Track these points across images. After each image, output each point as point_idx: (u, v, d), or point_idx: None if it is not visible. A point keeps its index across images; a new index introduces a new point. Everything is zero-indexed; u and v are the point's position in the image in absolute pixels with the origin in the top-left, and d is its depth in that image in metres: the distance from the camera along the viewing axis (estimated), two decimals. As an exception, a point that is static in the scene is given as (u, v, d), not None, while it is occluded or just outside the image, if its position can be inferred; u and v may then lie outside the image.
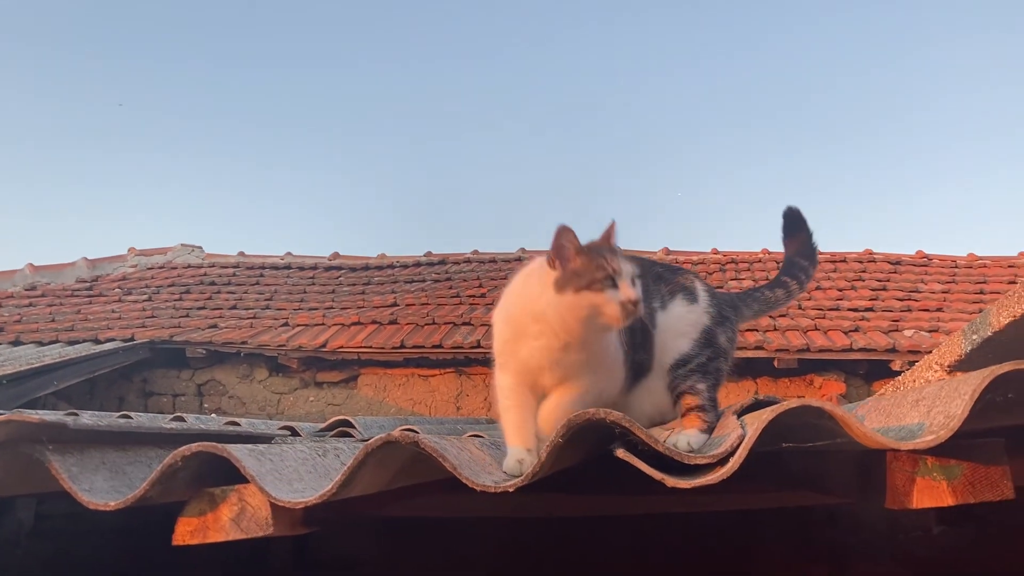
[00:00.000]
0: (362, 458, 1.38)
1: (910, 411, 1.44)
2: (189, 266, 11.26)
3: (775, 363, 7.67)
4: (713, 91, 29.74)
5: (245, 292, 10.16)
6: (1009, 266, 10.17)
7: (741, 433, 1.32)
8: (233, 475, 1.44)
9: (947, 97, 28.65)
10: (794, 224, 2.33)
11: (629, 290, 1.67)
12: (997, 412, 1.31)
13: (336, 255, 11.48)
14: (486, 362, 8.00)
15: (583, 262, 1.70)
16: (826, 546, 3.97)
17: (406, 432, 1.38)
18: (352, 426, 3.91)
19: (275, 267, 11.15)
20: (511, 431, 1.76)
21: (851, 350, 7.51)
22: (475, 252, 11.29)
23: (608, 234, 1.81)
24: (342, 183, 30.82)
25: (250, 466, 1.40)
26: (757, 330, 8.08)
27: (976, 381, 1.24)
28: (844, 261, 10.48)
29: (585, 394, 1.78)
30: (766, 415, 1.29)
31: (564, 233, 1.72)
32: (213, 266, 11.21)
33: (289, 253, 11.57)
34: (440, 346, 7.86)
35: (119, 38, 27.62)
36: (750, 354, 7.68)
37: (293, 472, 1.54)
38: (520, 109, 31.20)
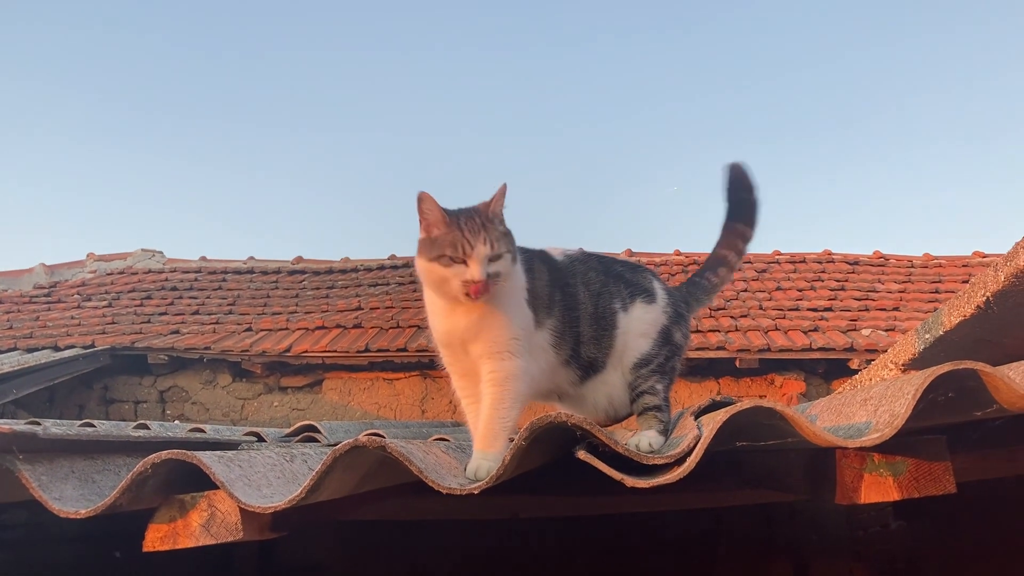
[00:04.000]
0: (330, 463, 1.41)
1: (859, 410, 1.51)
2: (150, 271, 11.14)
3: (737, 363, 7.78)
4: (672, 88, 30.02)
5: (207, 297, 10.08)
6: (963, 265, 10.40)
7: (697, 434, 1.38)
8: (201, 482, 1.46)
9: (904, 99, 29.18)
10: (737, 182, 2.19)
11: (476, 269, 1.69)
12: (940, 410, 1.37)
13: (299, 259, 11.43)
14: (451, 365, 8.02)
15: (443, 232, 1.74)
16: (788, 542, 4.06)
17: (373, 437, 1.42)
18: (318, 431, 3.92)
19: (238, 272, 11.06)
20: (473, 432, 1.80)
21: (810, 349, 7.64)
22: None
23: (494, 200, 1.79)
24: (306, 186, 30.63)
25: (220, 472, 1.43)
26: (719, 331, 8.19)
27: (919, 381, 1.30)
28: (804, 262, 10.66)
29: (509, 379, 1.80)
30: (720, 416, 1.34)
31: (423, 200, 1.76)
32: (175, 271, 11.10)
33: (252, 257, 11.50)
34: (405, 349, 7.87)
35: (74, 39, 27.22)
36: (712, 354, 7.79)
37: (262, 478, 1.57)
38: (484, 108, 31.25)
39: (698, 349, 7.83)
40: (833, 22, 28.62)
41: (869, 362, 6.13)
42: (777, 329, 8.16)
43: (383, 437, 3.51)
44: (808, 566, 4.16)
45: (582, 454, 1.41)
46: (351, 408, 8.14)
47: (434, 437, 3.75)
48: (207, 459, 1.44)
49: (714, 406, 1.75)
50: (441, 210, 1.75)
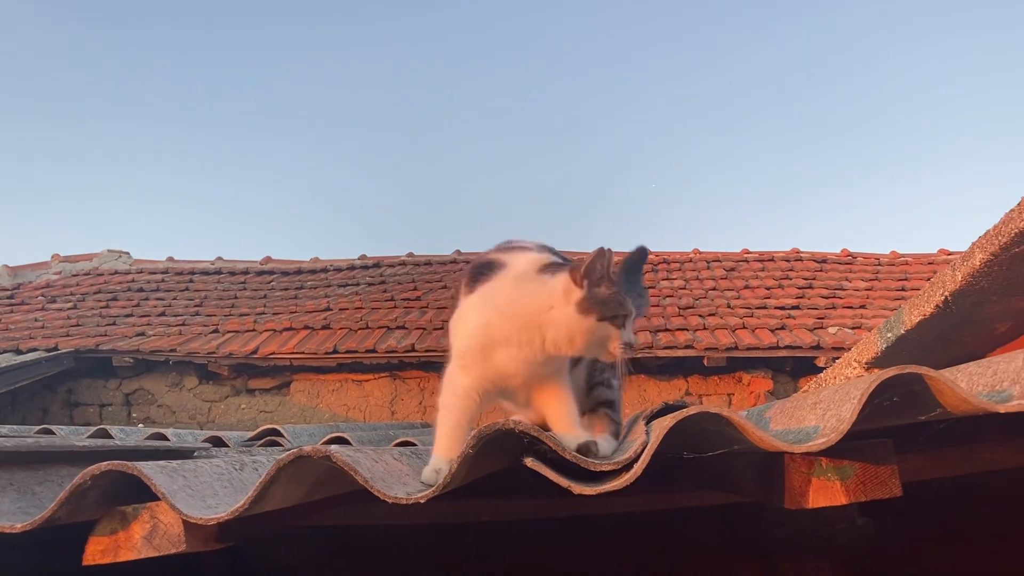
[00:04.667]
0: (274, 473, 1.39)
1: (808, 414, 1.51)
2: (116, 272, 11.00)
3: (705, 362, 7.82)
4: (640, 86, 30.13)
5: (174, 298, 9.98)
6: (929, 263, 10.52)
7: (644, 440, 1.37)
8: (148, 492, 1.43)
9: (872, 100, 29.48)
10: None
11: (631, 332, 1.71)
12: (886, 414, 1.37)
13: (268, 259, 11.34)
14: (421, 366, 8.00)
15: (610, 294, 1.69)
16: (756, 540, 4.08)
17: (318, 447, 1.39)
18: (281, 435, 3.89)
19: (205, 272, 10.96)
20: (440, 438, 1.74)
21: (777, 348, 7.69)
22: (410, 255, 11.26)
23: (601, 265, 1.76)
24: (276, 187, 30.42)
25: (161, 483, 1.40)
26: (687, 329, 8.23)
27: (864, 386, 1.30)
28: (772, 260, 10.73)
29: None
30: (667, 422, 1.34)
31: (604, 256, 1.70)
32: (141, 272, 10.98)
33: (220, 258, 11.39)
34: (374, 351, 7.83)
35: (36, 41, 26.84)
36: (680, 353, 7.82)
37: (207, 488, 1.54)
38: (450, 109, 31.19)
39: (666, 348, 7.86)
40: (799, 23, 28.86)
41: (835, 360, 6.19)
42: (745, 327, 8.21)
43: (347, 441, 3.48)
44: (776, 564, 4.18)
45: (529, 462, 1.40)
46: (320, 410, 8.09)
47: (398, 440, 3.73)
48: (148, 470, 1.41)
49: (667, 409, 1.75)
50: (611, 270, 1.73)
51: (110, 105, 28.30)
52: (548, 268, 1.78)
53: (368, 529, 3.79)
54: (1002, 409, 1.26)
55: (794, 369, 7.89)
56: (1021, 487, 2.60)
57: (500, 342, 1.74)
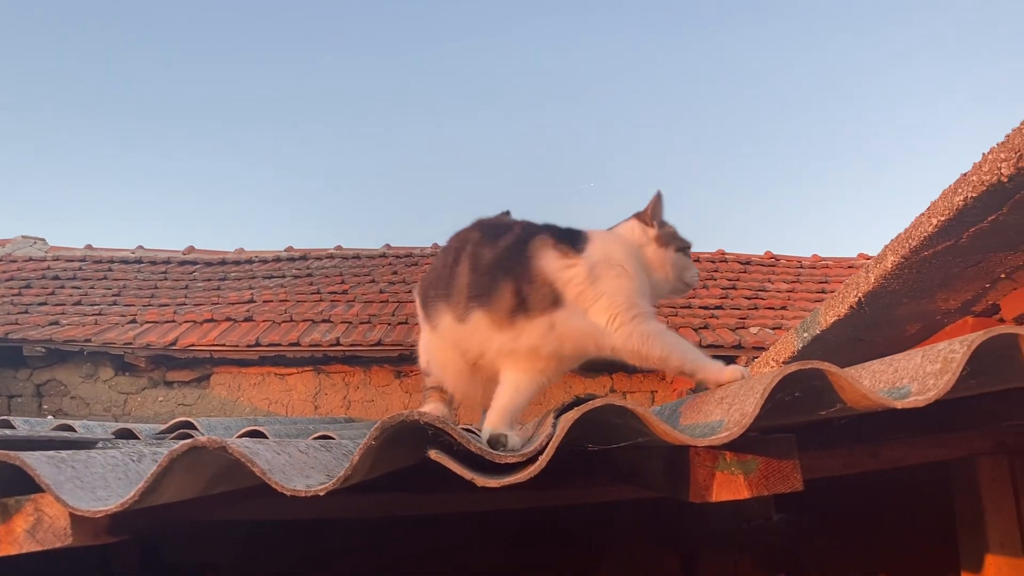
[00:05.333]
0: (167, 464, 1.34)
1: (715, 408, 1.51)
2: (30, 259, 10.59)
3: (630, 359, 7.87)
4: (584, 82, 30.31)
5: (91, 287, 9.65)
6: (849, 267, 10.79)
7: (550, 432, 1.36)
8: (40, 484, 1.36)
9: (797, 105, 30.17)
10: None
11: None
12: (788, 409, 1.39)
13: (191, 249, 11.06)
14: (345, 360, 7.89)
15: (673, 231, 1.92)
16: (677, 534, 4.13)
17: (213, 438, 1.34)
18: (195, 428, 3.78)
19: (124, 261, 10.62)
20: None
21: (700, 347, 7.77)
22: (338, 248, 11.10)
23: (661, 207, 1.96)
24: (199, 174, 29.72)
25: (46, 474, 1.33)
26: (614, 327, 8.28)
27: (767, 381, 1.31)
28: (698, 261, 10.88)
29: None
30: (573, 414, 1.33)
31: (661, 199, 1.93)
32: (57, 259, 10.59)
33: (140, 247, 11.07)
34: (298, 344, 7.69)
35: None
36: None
37: (99, 479, 1.47)
38: (385, 102, 30.93)
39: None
40: (730, 15, 29.37)
41: (755, 359, 6.30)
42: (669, 326, 8.30)
43: (263, 435, 3.41)
44: (695, 558, 4.25)
45: (434, 454, 1.37)
46: (241, 404, 7.92)
47: (317, 434, 3.66)
48: (32, 460, 1.34)
49: (577, 403, 1.74)
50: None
51: (24, 85, 27.31)
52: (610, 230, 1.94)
53: (292, 525, 3.73)
54: (899, 405, 1.28)
55: (716, 368, 8.01)
56: (924, 481, 2.68)
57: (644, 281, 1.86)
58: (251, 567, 3.83)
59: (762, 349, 7.50)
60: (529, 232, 1.81)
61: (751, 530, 4.17)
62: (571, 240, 1.79)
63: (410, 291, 9.21)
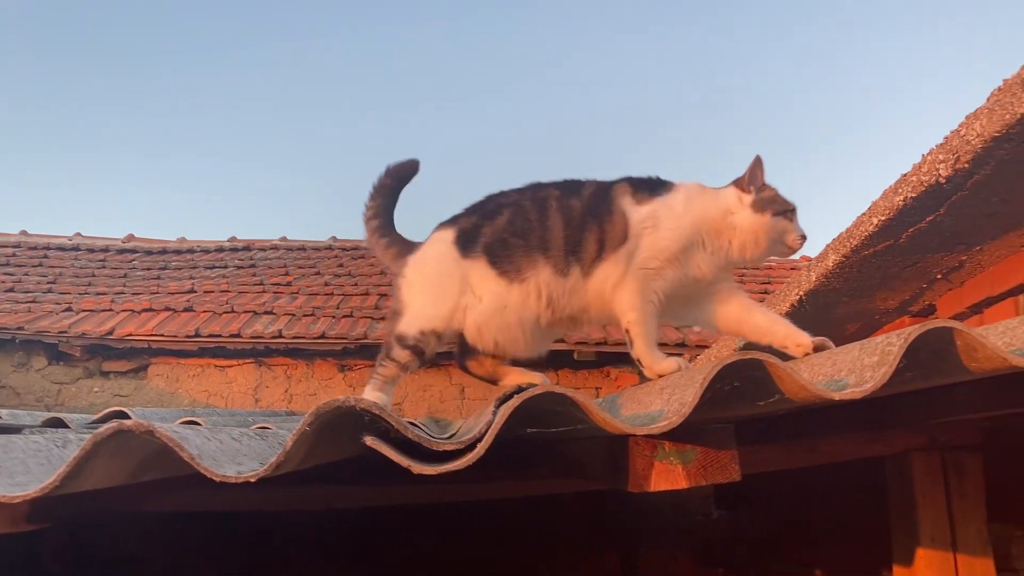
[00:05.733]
0: (90, 448, 1.28)
1: (656, 398, 1.51)
2: (-39, 244, 10.27)
3: (575, 355, 7.91)
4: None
5: (25, 274, 9.37)
6: (792, 268, 10.96)
7: (490, 420, 1.34)
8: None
9: (746, 106, 30.52)
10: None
11: (800, 227, 1.94)
12: (727, 399, 1.39)
13: (131, 237, 10.81)
14: (288, 353, 7.78)
15: (773, 193, 1.93)
16: (619, 529, 4.15)
17: (140, 421, 1.30)
18: (129, 418, 3.69)
19: (61, 248, 10.34)
20: (644, 341, 1.89)
21: (644, 344, 7.84)
22: (283, 239, 10.94)
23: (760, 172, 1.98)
24: (140, 162, 29.08)
25: (-41, 459, 1.27)
26: (560, 324, 8.31)
27: (707, 370, 1.31)
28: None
29: None
30: (513, 402, 1.31)
31: (760, 163, 1.93)
32: (-10, 245, 10.28)
33: (78, 234, 10.78)
34: (238, 335, 7.56)
35: None
36: (553, 346, 7.86)
37: (18, 464, 1.41)
38: (330, 93, 30.64)
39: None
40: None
41: (698, 357, 6.37)
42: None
43: (199, 425, 3.33)
44: (636, 554, 4.27)
45: (369, 440, 1.34)
46: (179, 395, 7.76)
47: (257, 426, 3.60)
48: (-55, 444, 1.28)
49: (519, 392, 1.73)
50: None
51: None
52: (706, 188, 1.97)
53: (228, 517, 3.65)
54: (837, 397, 1.29)
55: (660, 366, 8.08)
56: (860, 478, 2.72)
57: (694, 247, 1.89)
58: (178, 562, 3.75)
59: (705, 347, 7.60)
60: (608, 182, 1.94)
61: (691, 526, 4.20)
62: (650, 187, 1.92)
63: (355, 284, 9.12)
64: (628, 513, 3.98)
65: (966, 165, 2.40)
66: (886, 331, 3.67)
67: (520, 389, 1.79)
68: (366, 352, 7.57)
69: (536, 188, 1.96)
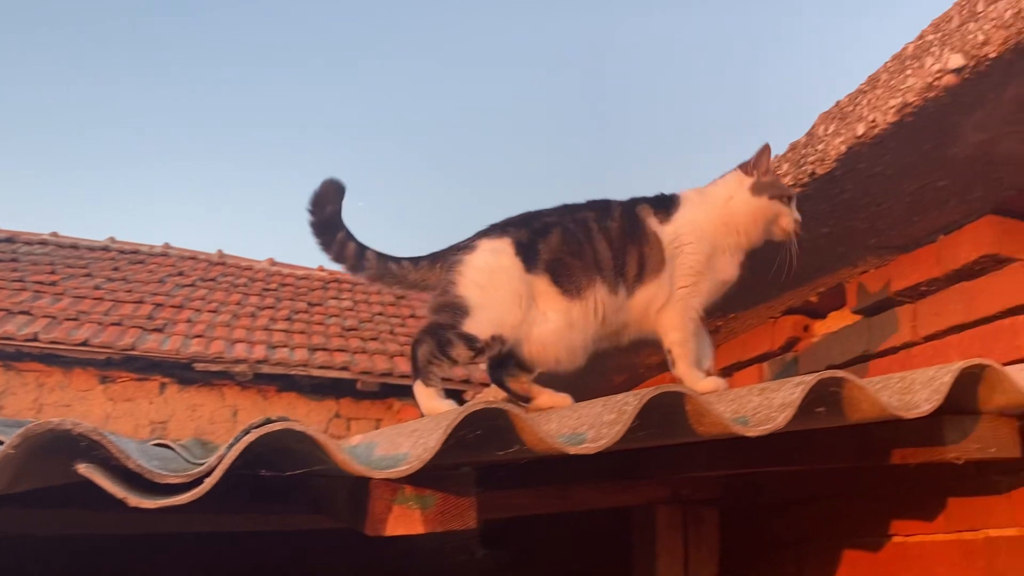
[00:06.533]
0: None
1: (406, 441, 1.49)
2: None
3: (358, 385, 7.80)
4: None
5: None
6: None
7: (223, 454, 1.27)
8: None
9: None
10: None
11: (796, 212, 2.00)
12: (470, 447, 1.39)
13: None
14: (43, 358, 7.17)
15: (774, 179, 2.01)
16: (380, 569, 4.08)
17: None
18: None
19: None
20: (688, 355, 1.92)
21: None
22: (54, 234, 10.12)
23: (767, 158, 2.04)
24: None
25: None
26: (347, 351, 8.18)
27: (453, 416, 1.31)
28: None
29: None
30: (249, 438, 1.25)
31: (768, 150, 2.02)
32: None
33: None
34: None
35: None
36: (335, 374, 7.74)
37: None
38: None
39: (322, 367, 7.75)
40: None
41: (480, 392, 6.44)
42: (403, 355, 8.31)
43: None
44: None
45: (82, 468, 1.24)
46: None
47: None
48: None
49: (267, 422, 1.66)
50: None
51: None
52: (702, 191, 2.06)
53: (66, 542, 3.27)
54: (571, 451, 1.33)
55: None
56: (610, 525, 2.83)
57: (717, 250, 1.97)
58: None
59: (487, 385, 7.72)
60: (629, 203, 2.01)
61: (454, 567, 4.22)
62: (664, 205, 2.00)
63: (130, 290, 8.58)
64: (391, 550, 3.94)
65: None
66: (651, 384, 3.86)
67: (268, 420, 1.73)
68: (132, 364, 7.11)
69: (571, 210, 2.00)
